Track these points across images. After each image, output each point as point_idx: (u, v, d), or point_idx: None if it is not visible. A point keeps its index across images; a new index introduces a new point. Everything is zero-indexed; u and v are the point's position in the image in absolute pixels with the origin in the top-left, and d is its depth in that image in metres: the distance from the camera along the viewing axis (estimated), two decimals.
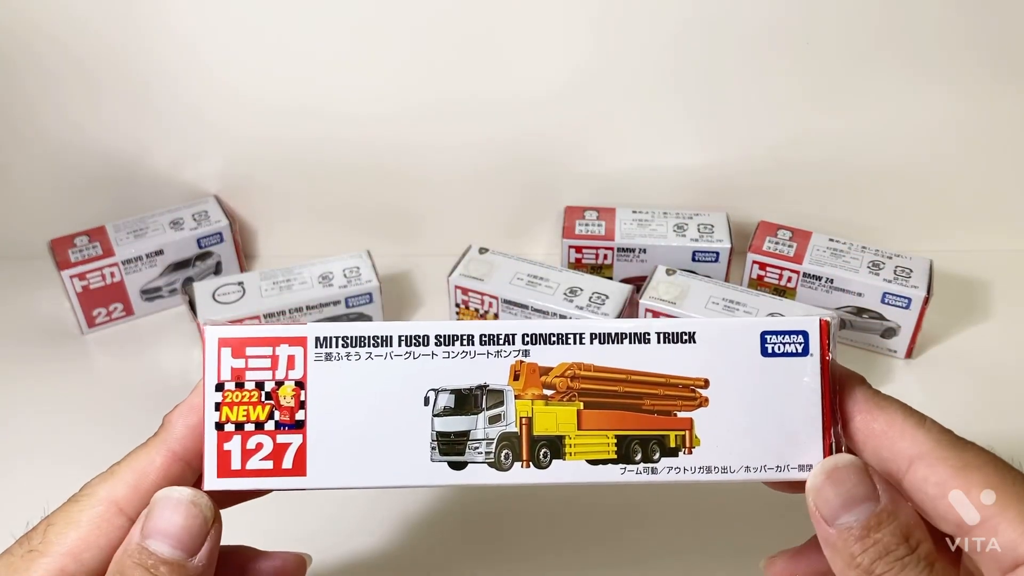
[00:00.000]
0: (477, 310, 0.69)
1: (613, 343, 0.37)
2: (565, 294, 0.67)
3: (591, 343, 0.37)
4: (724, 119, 0.74)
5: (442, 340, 0.37)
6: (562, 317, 0.65)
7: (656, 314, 0.66)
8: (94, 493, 0.36)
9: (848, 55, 0.70)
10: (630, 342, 0.37)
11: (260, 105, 0.73)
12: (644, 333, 0.37)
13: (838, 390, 0.37)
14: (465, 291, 0.69)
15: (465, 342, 0.37)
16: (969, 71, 0.70)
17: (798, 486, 0.37)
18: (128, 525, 0.36)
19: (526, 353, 0.37)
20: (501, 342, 0.37)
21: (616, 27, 0.69)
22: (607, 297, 0.66)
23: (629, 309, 0.67)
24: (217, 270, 0.77)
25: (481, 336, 0.37)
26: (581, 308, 0.65)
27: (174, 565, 0.34)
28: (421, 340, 0.37)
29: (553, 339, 0.37)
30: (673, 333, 0.37)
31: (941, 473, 0.34)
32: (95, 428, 0.64)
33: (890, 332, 0.69)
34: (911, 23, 0.68)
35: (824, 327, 0.37)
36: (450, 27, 0.69)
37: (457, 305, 0.70)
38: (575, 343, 0.37)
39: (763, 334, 0.37)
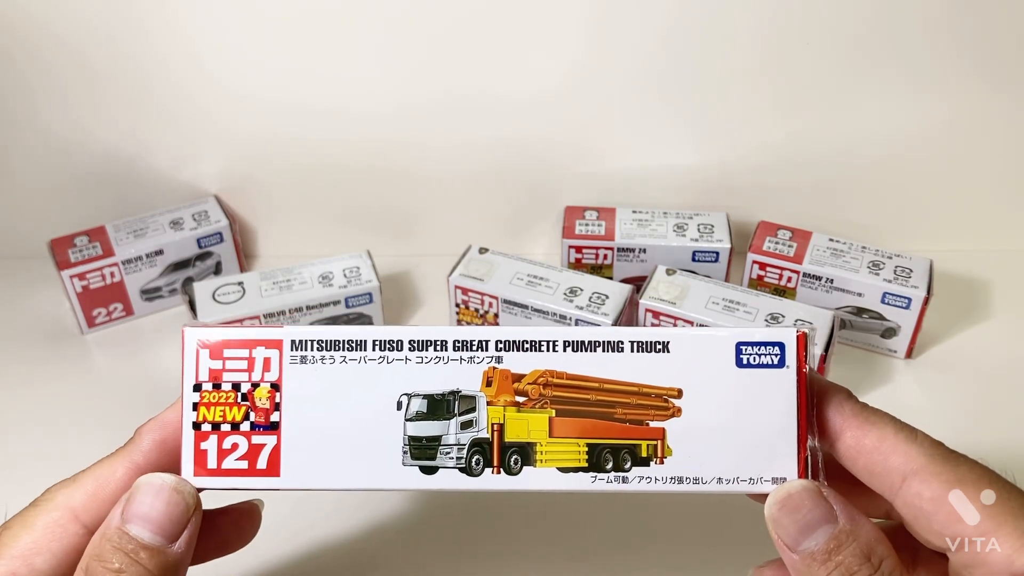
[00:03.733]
0: (477, 310, 0.69)
1: (586, 351, 0.37)
2: (565, 294, 0.66)
3: (564, 351, 0.37)
4: (724, 119, 0.73)
5: (416, 345, 0.37)
6: (562, 317, 0.65)
7: (656, 314, 0.65)
8: (52, 498, 0.36)
9: (848, 55, 0.69)
10: (604, 350, 0.37)
11: (261, 105, 0.73)
12: (618, 342, 0.37)
13: (823, 403, 0.37)
14: (465, 291, 0.69)
15: (438, 348, 0.37)
16: (969, 71, 0.70)
17: None
18: (83, 532, 0.36)
19: (499, 360, 0.37)
20: (474, 348, 0.37)
21: (617, 27, 0.68)
22: (607, 297, 0.66)
23: (629, 309, 0.66)
24: (217, 270, 0.77)
25: (455, 342, 0.37)
26: (581, 308, 0.65)
27: (153, 550, 0.34)
28: (395, 345, 0.37)
29: (526, 346, 0.37)
30: (647, 342, 0.37)
31: (935, 488, 0.34)
32: (94, 428, 0.64)
33: (890, 332, 0.69)
34: (911, 23, 0.67)
35: (801, 339, 0.36)
36: (451, 27, 0.69)
37: (457, 305, 0.70)
38: (548, 350, 0.37)
39: (738, 345, 0.37)
